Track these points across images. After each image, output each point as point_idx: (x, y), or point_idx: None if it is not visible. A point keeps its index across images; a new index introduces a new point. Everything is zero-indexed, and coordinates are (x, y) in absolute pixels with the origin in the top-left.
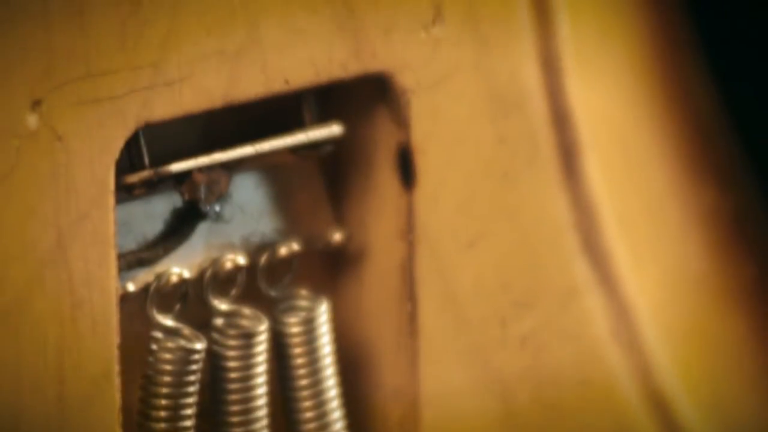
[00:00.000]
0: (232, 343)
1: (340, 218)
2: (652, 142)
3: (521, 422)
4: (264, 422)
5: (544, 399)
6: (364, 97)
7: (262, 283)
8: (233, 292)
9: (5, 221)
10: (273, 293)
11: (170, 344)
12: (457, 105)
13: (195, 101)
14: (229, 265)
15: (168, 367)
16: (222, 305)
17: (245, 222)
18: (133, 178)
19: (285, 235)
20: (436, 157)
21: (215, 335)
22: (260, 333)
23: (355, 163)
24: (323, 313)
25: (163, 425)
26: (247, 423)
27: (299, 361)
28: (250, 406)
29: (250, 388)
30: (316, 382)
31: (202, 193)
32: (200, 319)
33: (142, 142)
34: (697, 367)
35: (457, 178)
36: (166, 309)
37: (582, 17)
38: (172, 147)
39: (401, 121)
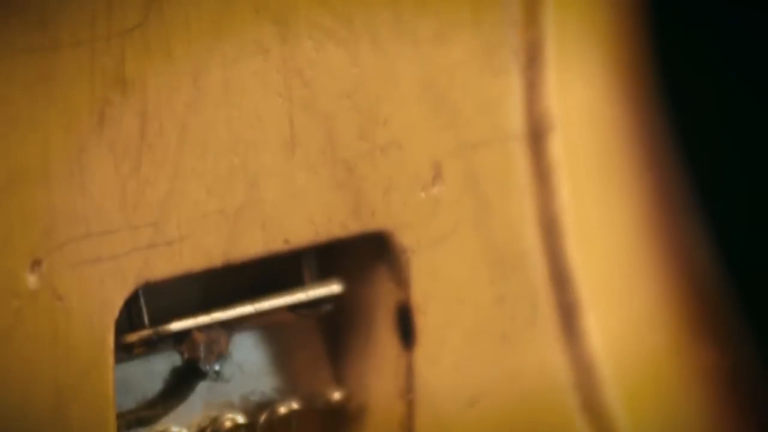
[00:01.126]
0: None
1: (339, 377)
2: (651, 301)
3: None
4: None
5: None
6: (363, 255)
7: None
8: None
9: (4, 381)
10: None
11: None
12: (457, 264)
13: (195, 260)
14: (228, 424)
15: None
16: None
17: (245, 381)
18: (133, 337)
19: (284, 393)
20: (435, 316)
21: None
22: None
23: (355, 321)
24: None
25: None
26: None
27: None
28: None
29: None
30: None
31: (202, 352)
32: None
33: (142, 301)
34: None
35: (457, 338)
36: None
37: (580, 184)
38: (172, 305)
39: (401, 280)
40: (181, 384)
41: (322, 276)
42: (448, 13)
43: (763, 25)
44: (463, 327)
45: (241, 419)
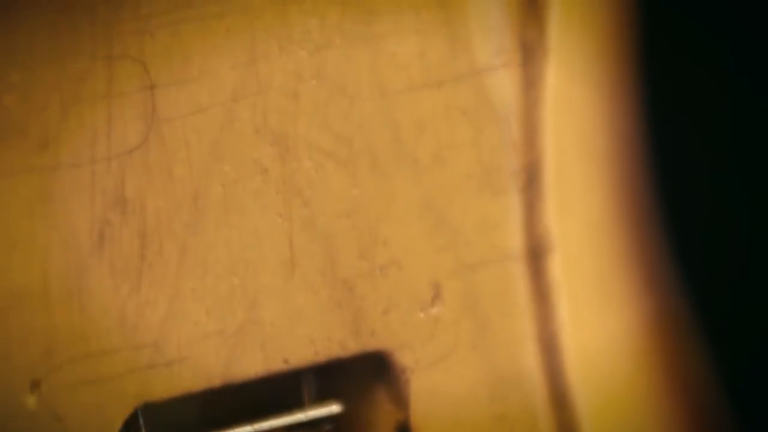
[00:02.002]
0: None
1: None
2: (651, 417)
3: None
4: None
5: None
6: (362, 375)
7: None
8: None
9: None
10: None
11: None
12: (457, 384)
13: (194, 381)
14: None
15: None
16: None
17: None
18: None
19: None
20: None
21: None
22: None
23: None
24: None
25: None
26: None
27: None
28: None
29: None
30: None
31: None
32: None
33: (141, 421)
34: None
35: None
36: None
37: (580, 304)
38: (171, 425)
39: (400, 400)
40: None
41: (322, 396)
42: (447, 135)
43: None
44: None
45: None
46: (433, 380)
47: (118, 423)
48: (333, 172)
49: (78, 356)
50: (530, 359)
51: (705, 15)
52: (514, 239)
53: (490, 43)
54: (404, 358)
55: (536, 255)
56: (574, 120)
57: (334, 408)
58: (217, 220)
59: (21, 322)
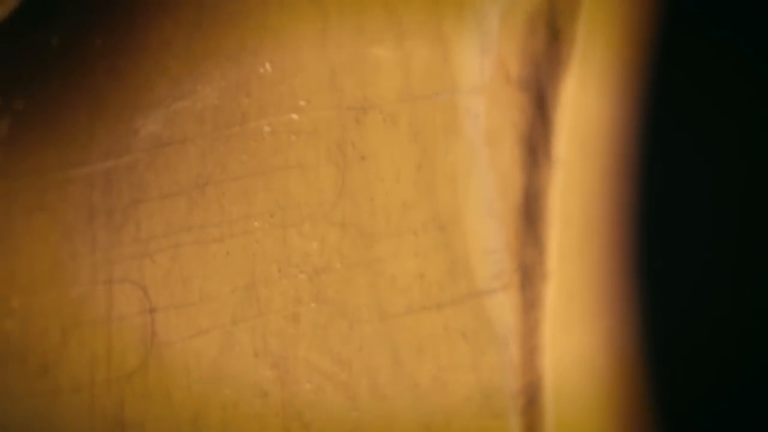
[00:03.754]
0: None
1: None
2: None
3: None
4: None
5: None
6: None
7: None
8: None
9: None
10: None
11: None
12: None
13: None
14: None
15: None
16: None
17: None
18: None
19: None
20: None
21: None
22: None
23: None
24: None
25: None
26: None
27: None
28: None
29: None
30: None
31: None
32: None
33: None
34: None
35: None
36: None
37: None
38: None
39: None
40: None
41: None
42: (446, 357)
43: None
44: None
45: None
46: None
47: None
48: (333, 395)
49: None
50: None
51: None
52: None
53: (489, 266)
54: None
55: None
56: (574, 339)
57: None
58: None
59: None
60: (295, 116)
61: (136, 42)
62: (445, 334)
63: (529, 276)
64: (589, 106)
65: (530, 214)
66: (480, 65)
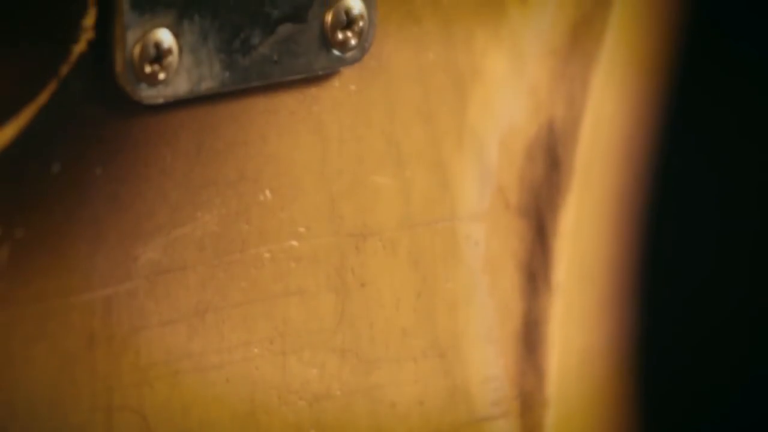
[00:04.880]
0: None
1: None
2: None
3: None
4: None
5: None
6: None
7: None
8: None
9: None
10: None
11: None
12: None
13: None
14: None
15: None
16: None
17: None
18: None
19: None
20: None
21: None
22: None
23: None
24: None
25: None
26: None
27: None
28: None
29: None
30: None
31: None
32: None
33: None
34: None
35: None
36: None
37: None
38: None
39: None
40: None
41: None
42: None
43: None
44: None
45: None
46: None
47: None
48: None
49: None
50: None
51: None
52: None
53: (489, 393)
54: None
55: None
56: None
57: None
58: None
59: None
60: (295, 243)
61: (136, 171)
62: None
63: (528, 403)
64: (588, 233)
65: (530, 341)
66: (479, 192)
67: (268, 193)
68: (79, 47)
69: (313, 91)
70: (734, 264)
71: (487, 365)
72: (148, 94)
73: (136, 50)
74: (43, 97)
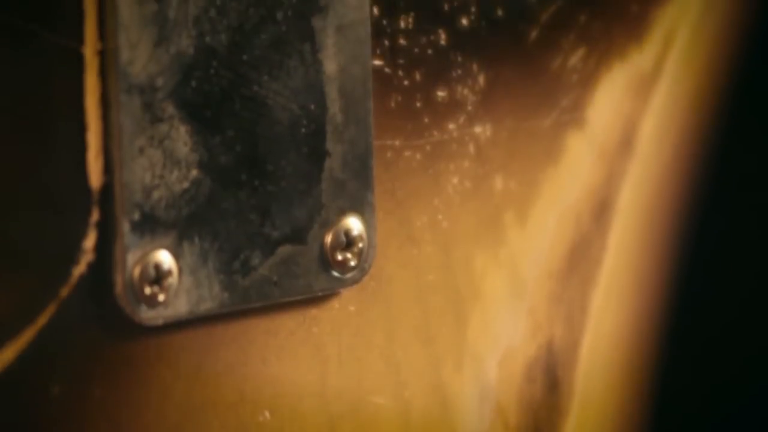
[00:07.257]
0: None
1: None
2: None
3: None
4: None
5: None
6: None
7: None
8: None
9: None
10: None
11: None
12: None
13: None
14: None
15: None
16: None
17: None
18: None
19: None
20: None
21: None
22: None
23: None
24: None
25: None
26: None
27: None
28: None
29: None
30: None
31: None
32: None
33: None
34: None
35: None
36: None
37: None
38: None
39: None
40: None
41: None
42: None
43: None
44: None
45: None
46: None
47: None
48: None
49: None
50: None
51: None
52: None
53: None
54: None
55: None
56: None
57: None
58: None
59: None
60: None
61: (136, 393)
62: None
63: None
64: None
65: None
66: (479, 413)
67: (267, 414)
68: (80, 269)
69: (312, 312)
70: None
71: None
72: (148, 316)
73: (136, 272)
74: (42, 320)
